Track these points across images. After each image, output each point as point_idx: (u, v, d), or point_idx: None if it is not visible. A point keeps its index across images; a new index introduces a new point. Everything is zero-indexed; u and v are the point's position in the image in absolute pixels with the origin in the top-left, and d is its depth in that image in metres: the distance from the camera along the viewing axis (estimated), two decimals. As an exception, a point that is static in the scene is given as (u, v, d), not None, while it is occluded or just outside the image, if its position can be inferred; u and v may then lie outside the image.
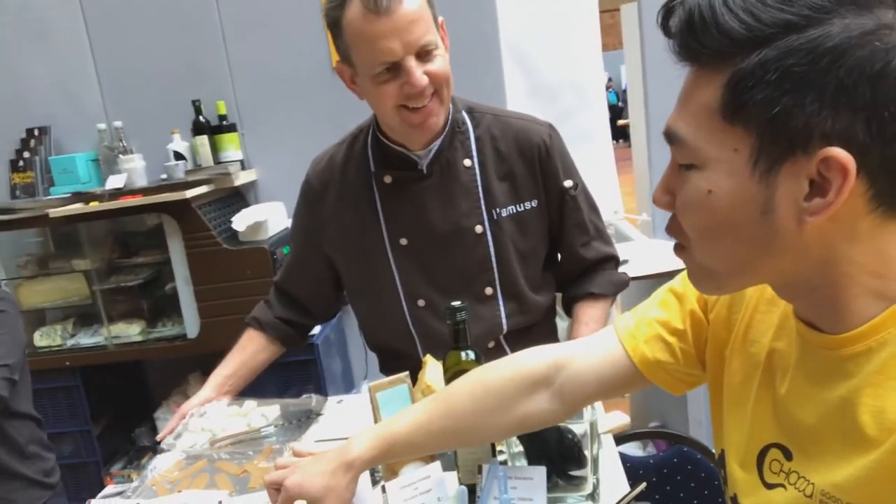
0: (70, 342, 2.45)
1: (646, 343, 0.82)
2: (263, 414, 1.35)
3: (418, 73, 1.21)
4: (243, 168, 2.53)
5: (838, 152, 0.51)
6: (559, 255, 1.48)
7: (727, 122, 0.55)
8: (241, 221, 2.29)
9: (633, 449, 1.66)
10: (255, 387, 2.32)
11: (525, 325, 1.42)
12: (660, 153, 2.45)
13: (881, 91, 0.50)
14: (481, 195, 1.37)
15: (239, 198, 2.57)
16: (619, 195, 2.66)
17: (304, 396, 1.42)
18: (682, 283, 0.83)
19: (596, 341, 0.87)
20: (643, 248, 2.48)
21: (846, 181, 0.52)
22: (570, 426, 1.02)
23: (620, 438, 1.53)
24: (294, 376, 2.37)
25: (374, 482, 1.03)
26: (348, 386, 2.57)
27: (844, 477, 0.58)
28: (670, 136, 0.60)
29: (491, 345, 1.42)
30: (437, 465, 1.00)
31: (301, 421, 1.32)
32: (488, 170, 1.37)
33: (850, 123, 0.51)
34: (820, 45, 0.50)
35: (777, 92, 0.52)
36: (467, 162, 1.37)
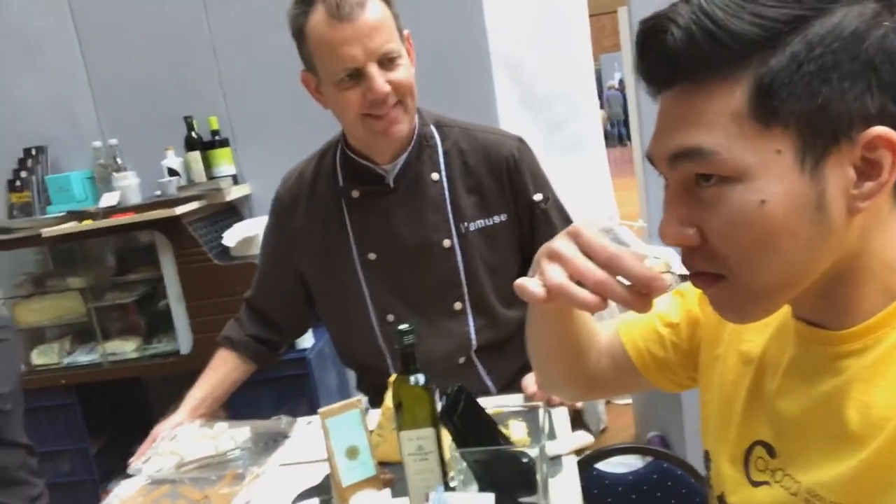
0: (67, 360, 2.47)
1: (640, 334, 0.84)
2: (232, 437, 1.34)
3: (380, 80, 1.21)
4: (236, 183, 2.53)
5: (883, 130, 0.51)
6: (534, 270, 1.45)
7: (762, 125, 0.52)
8: (231, 237, 2.29)
9: (634, 460, 1.63)
10: (248, 403, 2.34)
11: (497, 341, 1.40)
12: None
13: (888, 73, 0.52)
14: (449, 209, 1.36)
15: (233, 213, 2.58)
16: (613, 202, 2.63)
17: (273, 418, 1.41)
18: (686, 283, 0.83)
19: (606, 328, 0.89)
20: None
21: (891, 157, 0.52)
22: (525, 450, 1.00)
23: (604, 454, 1.50)
24: (287, 391, 2.36)
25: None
26: (344, 398, 2.53)
27: (830, 476, 0.57)
28: (688, 154, 0.54)
29: (462, 360, 1.40)
30: (387, 492, 0.99)
31: (268, 444, 1.31)
32: (456, 183, 1.36)
33: (882, 103, 0.52)
34: (843, 30, 0.51)
35: (815, 83, 0.51)
36: (435, 175, 1.36)
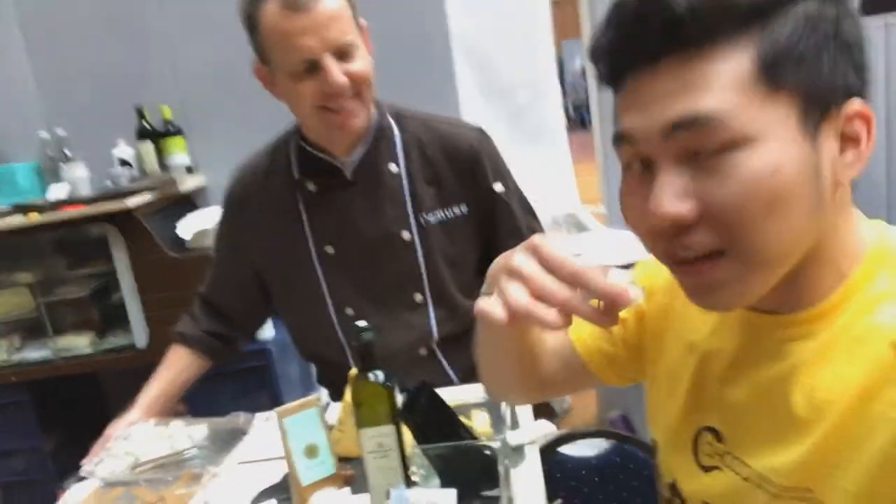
0: (17, 357, 2.39)
1: (588, 332, 0.83)
2: (189, 435, 1.31)
3: (337, 72, 1.18)
4: (191, 173, 2.47)
5: (861, 103, 0.54)
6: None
7: (771, 90, 0.52)
8: (186, 228, 2.24)
9: (598, 443, 1.64)
10: (208, 396, 2.30)
11: (458, 332, 1.39)
12: (608, 136, 2.41)
13: (862, 51, 0.55)
14: (408, 201, 1.34)
15: (188, 204, 2.51)
16: (575, 189, 2.63)
17: (231, 415, 1.38)
18: (630, 275, 0.83)
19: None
20: (603, 239, 2.44)
21: (871, 130, 0.55)
22: (487, 443, 0.99)
23: (567, 438, 1.51)
24: (248, 384, 2.33)
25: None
26: (307, 389, 2.53)
27: (779, 461, 0.58)
28: (693, 122, 0.52)
29: (423, 352, 1.39)
30: (346, 491, 0.97)
31: (226, 441, 1.28)
32: (415, 175, 1.34)
33: (857, 82, 0.55)
34: (827, 9, 0.53)
35: (817, 52, 0.52)
36: (393, 168, 1.34)
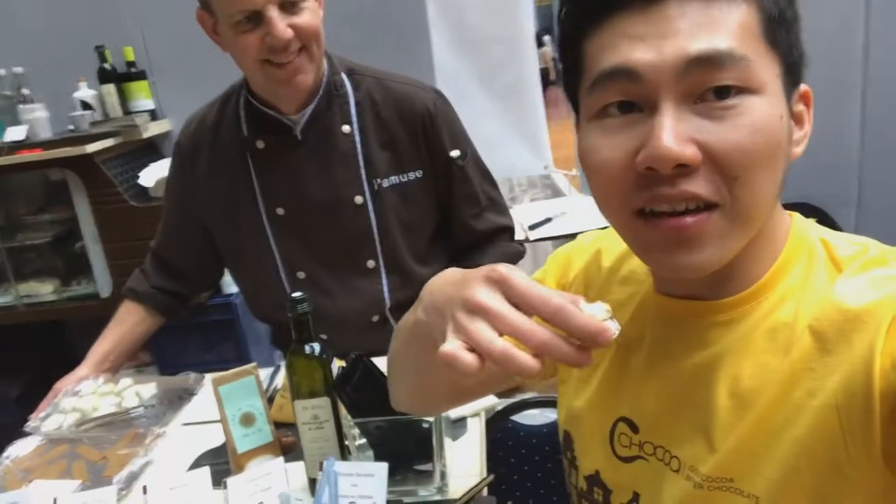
0: (-23, 302, 2.36)
1: None
2: (138, 392, 1.31)
3: (281, 24, 1.14)
4: (155, 118, 2.40)
5: (807, 87, 0.57)
6: (452, 227, 1.42)
7: (770, 46, 0.52)
8: (148, 176, 2.19)
9: (548, 412, 1.66)
10: (175, 348, 2.30)
11: (411, 299, 1.35)
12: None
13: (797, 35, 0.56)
14: (361, 164, 1.31)
15: (151, 150, 2.45)
16: (548, 149, 2.60)
17: (181, 374, 1.37)
18: (541, 270, 0.81)
19: None
20: (576, 204, 2.43)
21: (810, 112, 0.57)
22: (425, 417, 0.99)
23: (518, 407, 1.52)
24: (214, 337, 2.32)
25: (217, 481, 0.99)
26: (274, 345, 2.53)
27: (703, 450, 0.58)
28: (717, 58, 0.50)
29: (375, 319, 1.38)
30: (279, 460, 0.97)
31: (174, 401, 1.28)
32: (369, 137, 1.31)
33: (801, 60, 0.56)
34: None
35: (796, 22, 0.54)
36: (346, 128, 1.30)
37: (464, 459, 1.04)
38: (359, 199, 1.30)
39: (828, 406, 0.51)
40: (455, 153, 1.33)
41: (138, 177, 2.23)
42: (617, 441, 0.67)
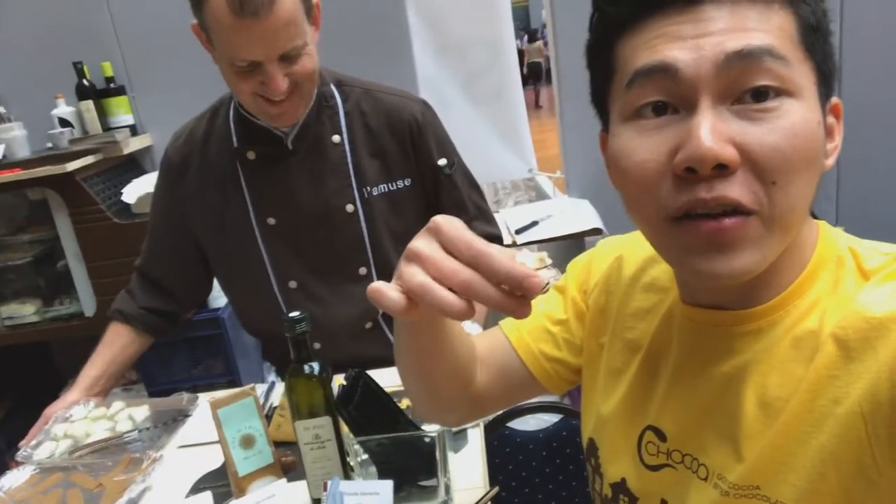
0: (-41, 326, 2.31)
1: (529, 334, 0.79)
2: (131, 415, 1.29)
3: (279, 77, 1.14)
4: (135, 133, 2.38)
5: (839, 100, 0.56)
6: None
7: (806, 54, 0.52)
8: (130, 193, 2.16)
9: (545, 417, 1.66)
10: (162, 364, 2.27)
11: (403, 305, 1.37)
12: (568, 103, 2.37)
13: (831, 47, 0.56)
14: (352, 173, 1.31)
15: (133, 166, 2.43)
16: (532, 152, 2.60)
17: (174, 395, 1.35)
18: (563, 277, 0.81)
19: (485, 337, 0.83)
20: (562, 205, 2.43)
21: (840, 125, 0.57)
22: (426, 432, 0.99)
23: (514, 413, 1.52)
24: (201, 351, 2.30)
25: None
26: (263, 358, 2.51)
27: (731, 459, 0.58)
28: (762, 53, 0.50)
29: (368, 325, 1.38)
30: (282, 482, 0.96)
31: (168, 423, 1.26)
32: (358, 147, 1.31)
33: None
34: None
35: (830, 34, 0.54)
36: (336, 138, 1.30)
37: (466, 471, 1.04)
38: (350, 208, 1.31)
39: (853, 413, 0.51)
40: (442, 162, 1.34)
41: (121, 193, 2.20)
42: (644, 449, 0.67)
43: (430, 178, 1.35)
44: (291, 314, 0.91)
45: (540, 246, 2.31)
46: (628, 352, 0.71)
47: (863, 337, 0.52)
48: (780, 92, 0.50)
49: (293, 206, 1.31)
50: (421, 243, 0.50)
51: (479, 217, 1.40)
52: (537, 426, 1.54)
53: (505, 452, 1.50)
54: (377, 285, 0.50)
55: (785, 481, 0.54)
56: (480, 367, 0.80)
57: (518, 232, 2.23)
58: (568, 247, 2.31)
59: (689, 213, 0.52)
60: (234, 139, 1.31)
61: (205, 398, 1.34)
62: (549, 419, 1.60)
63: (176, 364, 2.35)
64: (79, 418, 1.30)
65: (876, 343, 0.51)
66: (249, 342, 2.48)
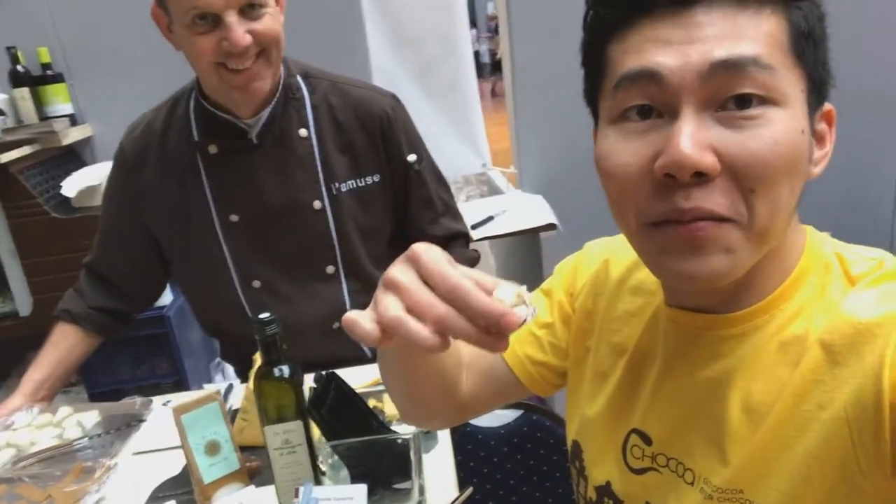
0: None
1: (514, 338, 0.75)
2: (80, 421, 1.22)
3: (240, 30, 1.09)
4: (74, 123, 2.26)
5: (831, 107, 0.56)
6: (408, 232, 1.40)
7: (797, 61, 0.52)
8: (71, 186, 2.06)
9: (506, 413, 1.66)
10: (105, 364, 2.18)
11: (371, 304, 1.35)
12: (526, 97, 2.37)
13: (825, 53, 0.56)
14: (319, 168, 1.27)
15: (72, 157, 2.31)
16: (486, 147, 2.60)
17: (126, 399, 1.29)
18: (549, 280, 0.80)
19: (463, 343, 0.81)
20: (517, 200, 2.44)
21: (832, 132, 0.57)
22: (399, 434, 0.97)
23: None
24: (146, 351, 2.22)
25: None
26: (210, 356, 2.44)
27: (716, 462, 0.58)
28: (746, 63, 0.49)
29: (336, 325, 1.35)
30: (250, 488, 0.93)
31: (121, 429, 1.21)
32: (326, 141, 1.28)
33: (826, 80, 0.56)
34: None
35: (825, 40, 0.54)
36: (303, 132, 1.26)
37: (438, 471, 1.02)
38: (317, 204, 1.27)
39: (838, 419, 0.51)
40: (412, 158, 1.32)
41: (59, 187, 2.09)
42: (629, 453, 0.67)
43: (399, 174, 1.32)
44: (261, 316, 0.88)
45: (496, 242, 2.30)
46: (614, 355, 0.71)
47: (849, 342, 0.52)
48: (764, 100, 0.51)
49: (258, 202, 1.27)
50: (399, 272, 0.48)
51: (447, 213, 1.39)
52: (498, 422, 1.54)
53: (467, 450, 1.50)
54: (352, 315, 0.48)
55: (769, 486, 0.55)
56: (466, 372, 0.79)
57: (474, 227, 2.22)
58: (523, 242, 2.32)
59: (667, 215, 0.52)
60: (195, 132, 1.26)
61: (159, 402, 1.28)
62: (510, 414, 1.60)
63: (119, 365, 2.26)
64: (22, 426, 1.23)
65: (861, 349, 0.52)
66: (196, 341, 2.41)
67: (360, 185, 1.30)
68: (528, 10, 2.26)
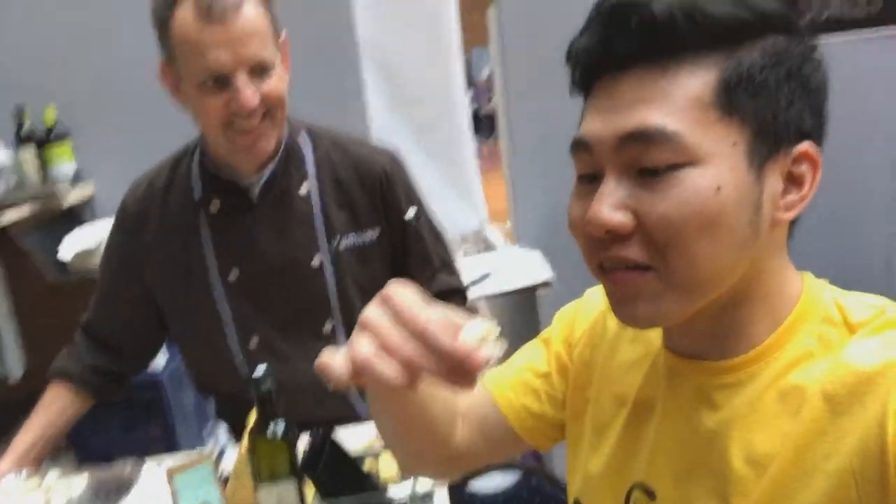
0: None
1: (512, 388, 0.77)
2: (68, 486, 1.19)
3: (248, 91, 1.11)
4: (77, 182, 2.27)
5: (810, 145, 0.55)
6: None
7: (724, 114, 0.53)
8: (67, 249, 2.05)
9: (505, 477, 1.62)
10: (94, 430, 2.12)
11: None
12: (522, 155, 2.42)
13: (822, 96, 0.57)
14: (319, 225, 1.28)
15: (72, 218, 2.31)
16: (483, 205, 2.62)
17: (116, 463, 1.26)
18: (548, 329, 0.80)
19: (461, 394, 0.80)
20: (513, 256, 2.43)
21: (816, 174, 0.56)
22: (394, 496, 0.94)
23: (474, 473, 1.47)
24: (138, 417, 2.17)
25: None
26: (203, 421, 2.39)
27: None
28: (647, 135, 0.53)
29: (332, 385, 1.32)
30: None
31: (110, 494, 1.17)
32: (327, 198, 1.29)
33: (812, 126, 0.56)
34: (791, 51, 0.54)
35: (775, 87, 0.53)
36: (303, 190, 1.28)
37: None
38: (316, 262, 1.28)
39: (843, 470, 0.50)
40: (411, 213, 1.33)
41: (57, 250, 2.09)
42: None
43: (398, 230, 1.33)
44: (257, 371, 0.86)
45: (492, 299, 2.29)
46: (615, 406, 0.69)
47: (851, 391, 0.52)
48: (678, 163, 0.53)
49: (257, 260, 1.28)
50: (372, 312, 0.50)
51: (443, 269, 1.39)
52: (496, 488, 1.49)
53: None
54: (325, 358, 0.50)
55: None
56: (462, 422, 0.77)
57: (470, 285, 2.21)
58: (519, 299, 2.31)
59: (602, 267, 0.57)
60: (197, 190, 1.28)
61: (152, 464, 1.25)
62: (509, 479, 1.56)
63: (111, 430, 2.20)
64: (9, 490, 1.19)
65: (864, 398, 0.51)
66: (189, 406, 2.36)
67: (359, 241, 1.31)
68: (525, 71, 2.33)
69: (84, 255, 2.06)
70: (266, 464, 0.87)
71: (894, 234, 2.40)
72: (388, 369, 0.47)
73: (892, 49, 2.30)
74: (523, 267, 2.26)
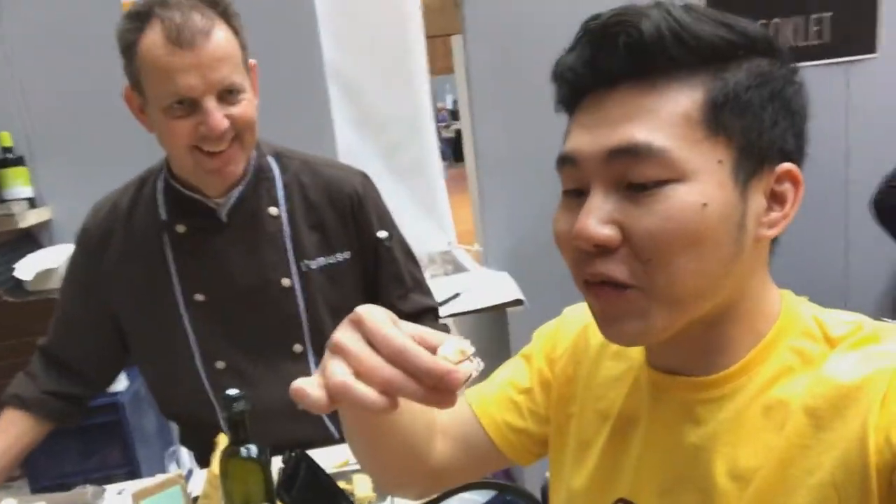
0: None
1: (493, 404, 0.77)
2: (25, 516, 1.14)
3: (218, 115, 1.10)
4: (33, 206, 2.22)
5: (792, 165, 0.57)
6: (377, 309, 1.39)
7: (711, 132, 0.54)
8: (25, 269, 2.00)
9: (478, 496, 1.60)
10: (51, 455, 2.05)
11: (339, 385, 1.32)
12: (490, 179, 2.44)
13: (803, 119, 0.58)
14: (289, 246, 1.27)
15: (29, 240, 2.26)
16: (452, 226, 2.63)
17: (76, 489, 1.21)
18: (529, 346, 0.80)
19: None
20: (482, 277, 2.45)
21: (798, 193, 0.57)
22: None
23: (447, 493, 1.46)
24: (97, 441, 2.10)
25: None
26: (165, 444, 2.32)
27: None
28: (634, 150, 0.53)
29: (302, 406, 1.30)
30: (214, 581, 0.87)
31: (70, 523, 1.13)
32: (297, 219, 1.28)
33: (794, 146, 0.57)
34: (786, 66, 0.57)
35: (760, 106, 0.54)
36: (273, 210, 1.27)
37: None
38: (286, 282, 1.26)
39: (825, 484, 0.51)
40: (382, 234, 1.33)
41: (12, 270, 2.03)
42: None
43: (369, 251, 1.33)
44: (229, 392, 0.84)
45: (462, 318, 2.30)
46: (598, 421, 0.70)
47: (832, 406, 0.53)
48: (665, 179, 0.53)
49: (225, 282, 1.26)
50: (343, 336, 0.49)
51: (416, 289, 1.39)
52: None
53: (440, 536, 1.43)
54: (298, 384, 0.49)
55: None
56: (441, 438, 0.77)
57: (441, 304, 2.22)
58: (490, 318, 2.31)
59: (586, 282, 0.58)
60: (163, 211, 1.25)
61: (113, 490, 1.21)
62: (480, 498, 1.54)
63: (66, 456, 2.12)
64: (-39, 522, 1.14)
65: (845, 412, 0.52)
66: (150, 428, 2.29)
67: (330, 262, 1.31)
68: (491, 95, 2.37)
69: (43, 275, 2.01)
70: (239, 487, 0.85)
71: (848, 249, 2.50)
72: (367, 393, 0.46)
73: (839, 77, 2.42)
74: (493, 287, 2.27)
